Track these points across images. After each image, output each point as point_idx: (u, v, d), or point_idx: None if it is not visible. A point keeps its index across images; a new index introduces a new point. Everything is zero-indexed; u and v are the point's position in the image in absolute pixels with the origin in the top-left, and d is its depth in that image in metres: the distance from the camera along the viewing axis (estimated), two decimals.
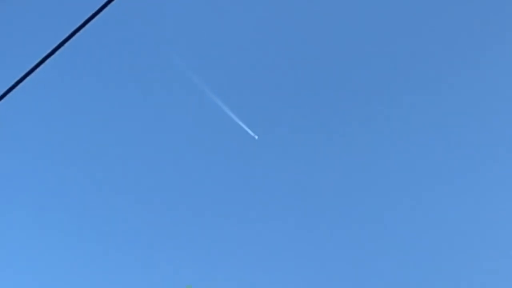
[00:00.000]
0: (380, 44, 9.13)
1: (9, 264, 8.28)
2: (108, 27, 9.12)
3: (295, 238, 8.87)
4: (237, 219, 9.16)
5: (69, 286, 8.10)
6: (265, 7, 9.18)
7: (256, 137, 8.40)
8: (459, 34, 8.59)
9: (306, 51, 9.45)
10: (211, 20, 9.33)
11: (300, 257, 8.71)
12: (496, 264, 7.89)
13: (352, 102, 9.40)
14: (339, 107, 9.41)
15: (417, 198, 8.99)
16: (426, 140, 9.10)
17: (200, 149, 9.13)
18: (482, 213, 8.30)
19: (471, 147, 9.05)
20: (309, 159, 9.29)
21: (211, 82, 8.68)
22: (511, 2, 8.26)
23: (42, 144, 9.19)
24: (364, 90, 9.37)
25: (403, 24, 8.89)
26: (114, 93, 9.35)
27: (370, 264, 8.85)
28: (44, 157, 9.19)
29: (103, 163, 9.09)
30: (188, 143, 9.06)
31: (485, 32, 8.48)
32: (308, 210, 9.09)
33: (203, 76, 8.66)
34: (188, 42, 9.45)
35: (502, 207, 8.14)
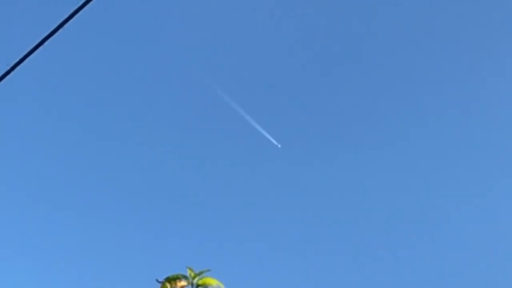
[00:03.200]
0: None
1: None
2: (108, 26, 9.04)
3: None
4: (252, 221, 9.12)
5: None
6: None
7: (279, 145, 8.80)
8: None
9: (319, 62, 9.40)
10: (242, 33, 9.29)
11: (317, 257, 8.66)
12: None
13: (370, 110, 9.30)
14: (360, 116, 9.32)
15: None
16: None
17: (227, 156, 9.21)
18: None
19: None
20: (328, 164, 9.25)
21: (239, 97, 8.74)
22: None
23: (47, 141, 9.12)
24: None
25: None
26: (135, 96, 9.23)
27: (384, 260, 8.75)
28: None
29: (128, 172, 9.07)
30: (216, 150, 9.11)
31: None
32: (326, 213, 9.03)
33: (230, 91, 8.73)
34: (210, 51, 9.41)
35: None
